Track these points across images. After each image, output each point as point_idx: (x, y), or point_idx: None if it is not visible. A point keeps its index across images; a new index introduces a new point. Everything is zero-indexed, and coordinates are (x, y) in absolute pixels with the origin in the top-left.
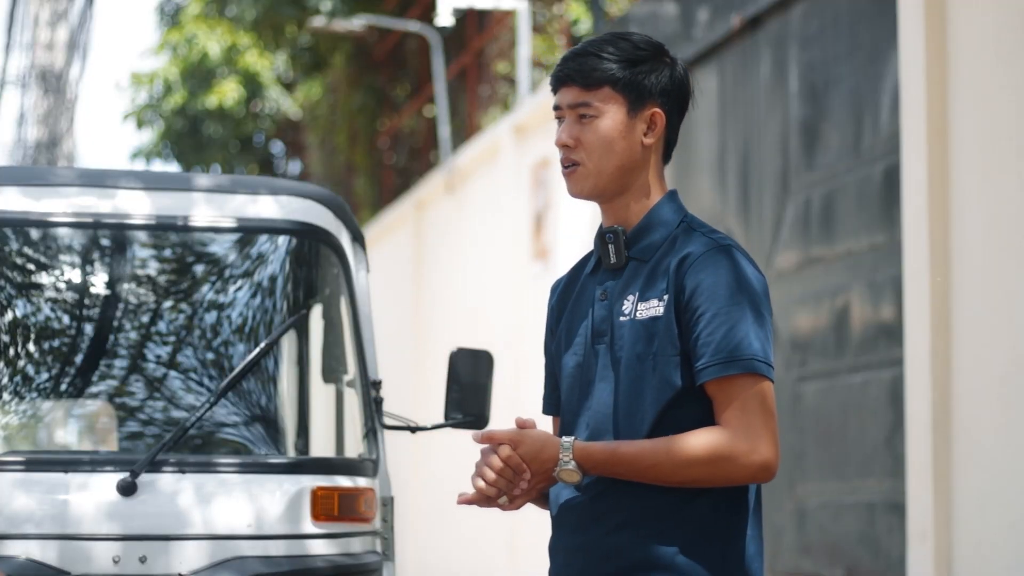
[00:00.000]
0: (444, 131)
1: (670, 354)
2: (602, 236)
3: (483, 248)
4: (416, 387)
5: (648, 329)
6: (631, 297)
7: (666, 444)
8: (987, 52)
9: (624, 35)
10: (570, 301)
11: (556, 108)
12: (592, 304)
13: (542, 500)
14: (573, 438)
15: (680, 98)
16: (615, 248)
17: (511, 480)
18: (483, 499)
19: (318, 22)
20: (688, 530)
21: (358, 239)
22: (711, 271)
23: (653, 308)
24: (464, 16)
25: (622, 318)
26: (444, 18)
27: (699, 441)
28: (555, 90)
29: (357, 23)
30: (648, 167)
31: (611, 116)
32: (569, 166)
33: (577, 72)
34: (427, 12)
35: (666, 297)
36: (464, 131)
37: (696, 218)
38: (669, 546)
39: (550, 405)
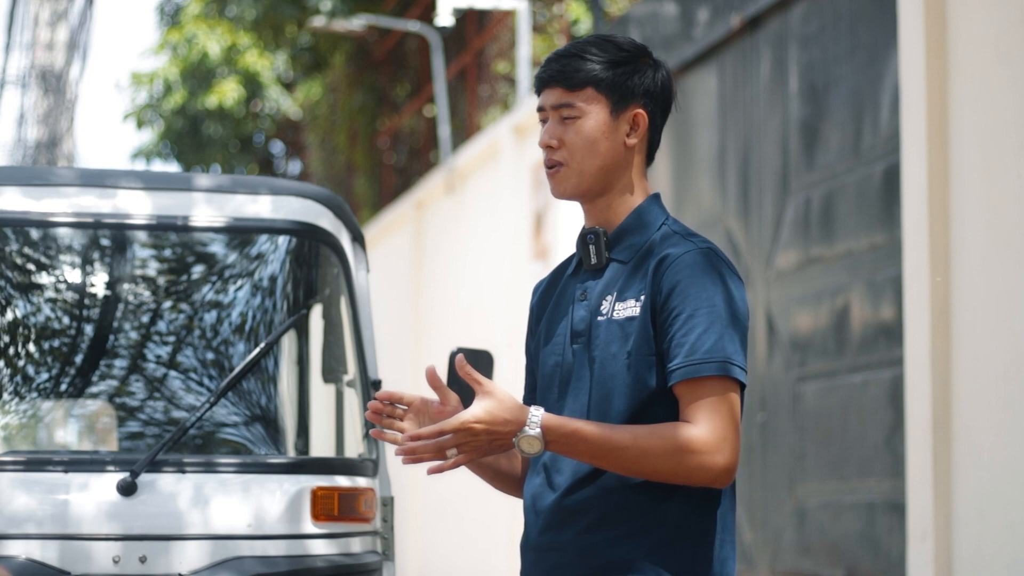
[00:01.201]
0: (444, 131)
1: (645, 354)
2: (583, 237)
3: (483, 248)
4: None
5: (624, 329)
6: (609, 297)
7: (633, 430)
8: (987, 52)
9: (607, 37)
10: (551, 301)
11: (540, 109)
12: (572, 304)
13: (486, 470)
14: (543, 409)
15: (663, 99)
16: (596, 249)
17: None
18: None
19: (318, 22)
20: (661, 531)
21: (358, 239)
22: (688, 273)
23: (630, 308)
24: (464, 16)
25: (600, 318)
26: (444, 18)
27: (667, 432)
28: (538, 91)
29: (357, 23)
30: (631, 168)
31: (594, 117)
32: (552, 167)
33: (560, 73)
34: (427, 12)
35: (642, 297)
36: (464, 131)
37: (678, 221)
38: (641, 546)
39: (530, 403)
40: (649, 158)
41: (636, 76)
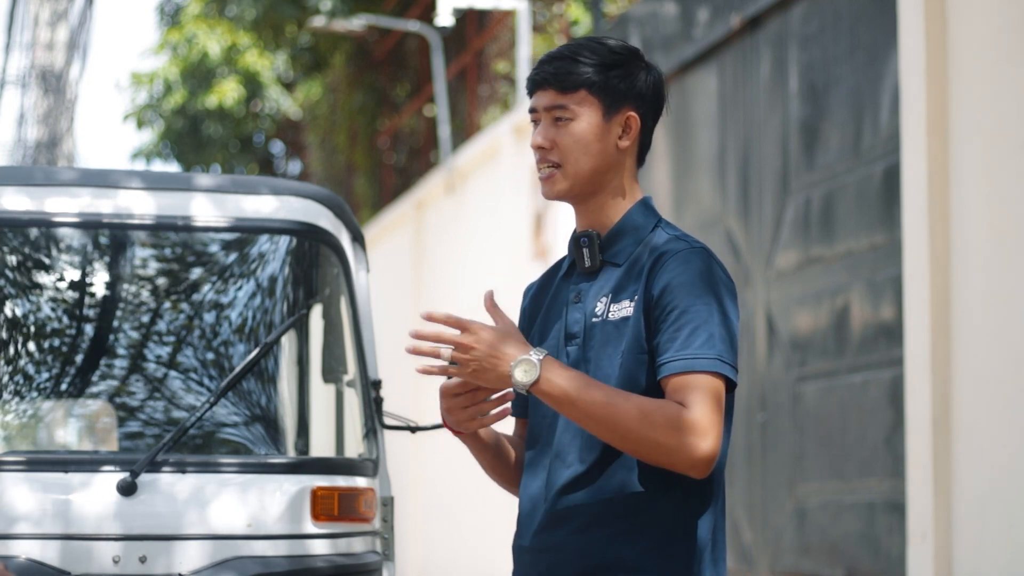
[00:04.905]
0: (444, 131)
1: (636, 352)
2: (576, 240)
3: (483, 248)
4: (416, 387)
5: (619, 329)
6: (604, 299)
7: (634, 396)
8: (987, 52)
9: (600, 39)
10: (544, 304)
11: (532, 111)
12: (566, 306)
13: (479, 444)
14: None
15: (655, 102)
16: (590, 252)
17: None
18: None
19: (318, 22)
20: (656, 530)
21: (358, 239)
22: (680, 271)
23: (625, 309)
24: (464, 16)
25: (595, 319)
26: (444, 18)
27: (665, 405)
28: (531, 93)
29: (357, 23)
30: (622, 170)
31: (587, 119)
32: (545, 168)
33: (553, 76)
34: (427, 12)
35: (636, 298)
36: (464, 131)
37: (669, 223)
38: (637, 546)
39: (517, 406)
40: (640, 160)
41: (628, 79)
